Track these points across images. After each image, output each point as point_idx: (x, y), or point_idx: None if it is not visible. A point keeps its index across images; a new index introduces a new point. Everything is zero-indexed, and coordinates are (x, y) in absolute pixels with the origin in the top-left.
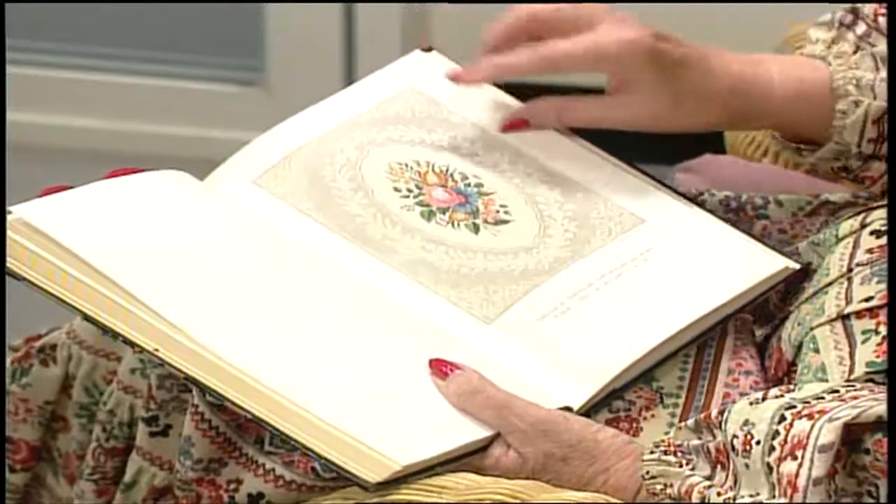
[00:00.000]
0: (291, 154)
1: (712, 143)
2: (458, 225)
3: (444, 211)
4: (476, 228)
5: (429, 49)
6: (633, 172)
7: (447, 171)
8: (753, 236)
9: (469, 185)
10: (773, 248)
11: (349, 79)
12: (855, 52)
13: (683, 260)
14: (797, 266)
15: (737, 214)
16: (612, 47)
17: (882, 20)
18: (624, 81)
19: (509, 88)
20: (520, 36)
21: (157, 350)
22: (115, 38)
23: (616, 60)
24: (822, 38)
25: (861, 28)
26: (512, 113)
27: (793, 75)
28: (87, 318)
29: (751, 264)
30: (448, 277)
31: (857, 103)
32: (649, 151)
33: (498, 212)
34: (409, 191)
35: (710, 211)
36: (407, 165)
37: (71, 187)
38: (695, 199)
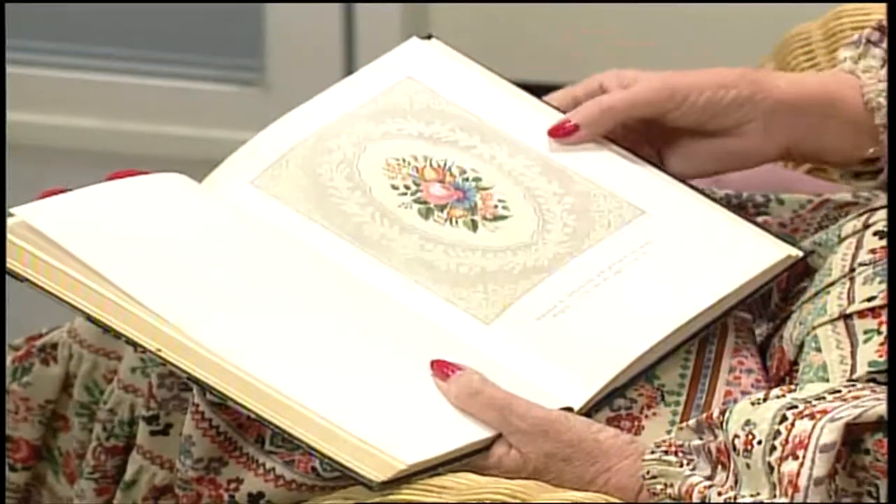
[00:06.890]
0: (288, 153)
1: None
2: (457, 222)
3: (441, 208)
4: (474, 225)
5: (428, 37)
6: (633, 160)
7: (445, 165)
8: (756, 223)
9: (467, 179)
10: (776, 236)
11: None
12: (882, 66)
13: (684, 251)
14: (800, 254)
15: (737, 211)
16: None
17: None
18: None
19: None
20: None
21: (159, 350)
22: (115, 38)
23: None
24: (850, 55)
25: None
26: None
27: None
28: (89, 318)
29: (754, 253)
30: (447, 277)
31: None
32: None
33: (496, 207)
34: (407, 188)
35: (712, 199)
36: (405, 161)
37: (69, 190)
38: (695, 188)
